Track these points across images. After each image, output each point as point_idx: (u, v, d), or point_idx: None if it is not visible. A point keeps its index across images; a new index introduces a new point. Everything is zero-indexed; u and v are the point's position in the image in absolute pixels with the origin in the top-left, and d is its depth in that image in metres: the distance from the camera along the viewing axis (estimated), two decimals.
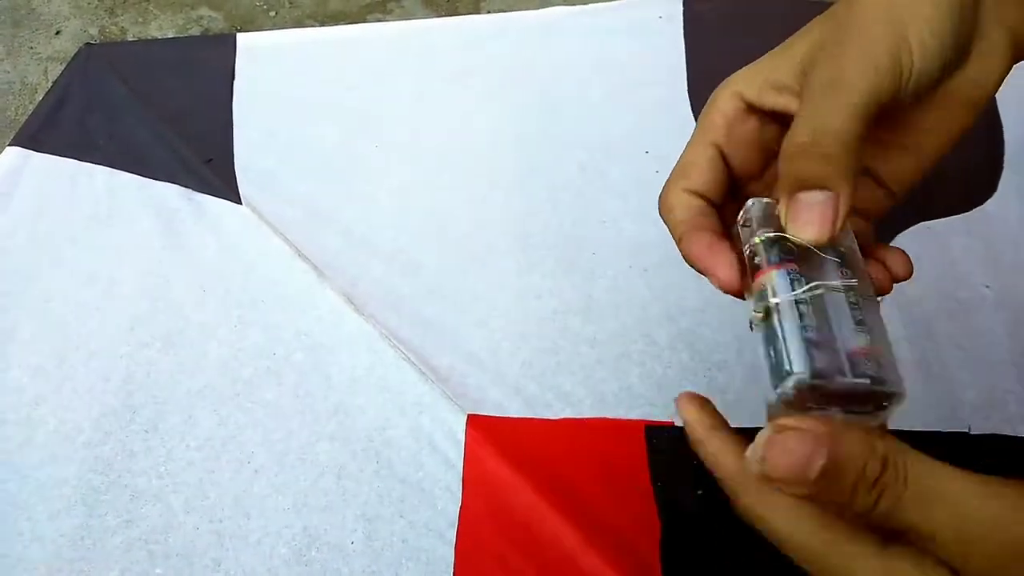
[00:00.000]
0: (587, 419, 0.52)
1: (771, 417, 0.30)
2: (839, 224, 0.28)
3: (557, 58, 0.73)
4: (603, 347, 0.56)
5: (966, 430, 0.51)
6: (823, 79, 0.29)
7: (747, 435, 0.52)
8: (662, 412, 0.53)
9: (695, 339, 0.56)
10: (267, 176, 0.65)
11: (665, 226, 0.34)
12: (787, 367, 0.28)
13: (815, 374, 0.27)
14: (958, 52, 0.30)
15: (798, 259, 0.29)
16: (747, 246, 0.31)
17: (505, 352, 0.55)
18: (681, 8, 0.74)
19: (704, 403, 0.34)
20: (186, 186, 0.64)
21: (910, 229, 0.60)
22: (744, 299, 0.31)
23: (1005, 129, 0.63)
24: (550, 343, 0.56)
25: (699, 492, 0.49)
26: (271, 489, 0.50)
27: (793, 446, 0.26)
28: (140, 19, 1.38)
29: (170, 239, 0.61)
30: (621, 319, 0.57)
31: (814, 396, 0.28)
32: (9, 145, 0.68)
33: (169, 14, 1.40)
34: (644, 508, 0.49)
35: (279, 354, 0.55)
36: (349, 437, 0.52)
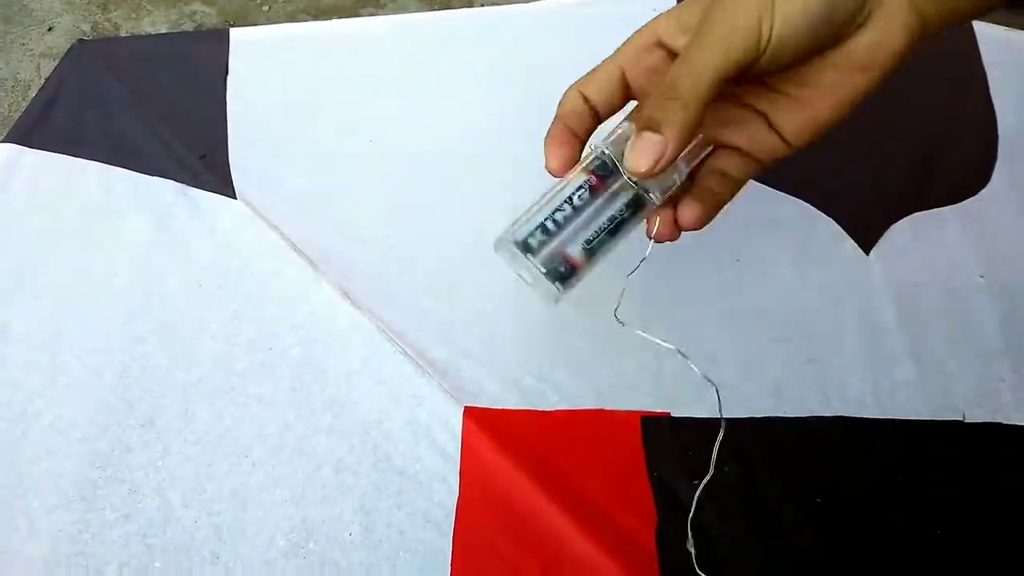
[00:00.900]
0: (583, 411, 0.53)
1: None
2: (662, 165, 0.34)
3: (551, 51, 0.73)
4: (598, 340, 0.56)
5: (960, 419, 0.52)
6: (699, 31, 0.34)
7: (746, 425, 0.52)
8: (657, 403, 0.53)
9: (690, 330, 0.56)
10: (261, 171, 0.65)
11: None
12: (514, 227, 0.38)
13: (518, 243, 0.37)
14: (836, 23, 0.33)
15: (608, 176, 0.38)
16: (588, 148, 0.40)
17: (501, 345, 0.56)
18: (674, 0, 0.74)
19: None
20: (180, 181, 0.63)
21: (905, 219, 0.60)
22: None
23: (999, 119, 0.64)
24: (545, 336, 0.56)
25: (695, 482, 0.50)
26: (268, 482, 0.50)
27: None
28: (133, 15, 1.38)
29: (164, 234, 0.61)
30: (618, 311, 0.57)
31: (511, 256, 0.38)
32: (2, 142, 0.68)
33: (162, 9, 1.40)
34: (641, 499, 0.49)
35: (275, 348, 0.55)
36: (346, 430, 0.52)
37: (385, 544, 0.48)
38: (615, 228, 0.39)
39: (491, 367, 0.54)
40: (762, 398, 0.53)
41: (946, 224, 0.60)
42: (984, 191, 0.61)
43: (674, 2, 0.74)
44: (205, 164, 0.64)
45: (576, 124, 0.40)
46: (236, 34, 0.74)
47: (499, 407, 0.52)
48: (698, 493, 0.49)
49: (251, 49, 0.73)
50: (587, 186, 0.38)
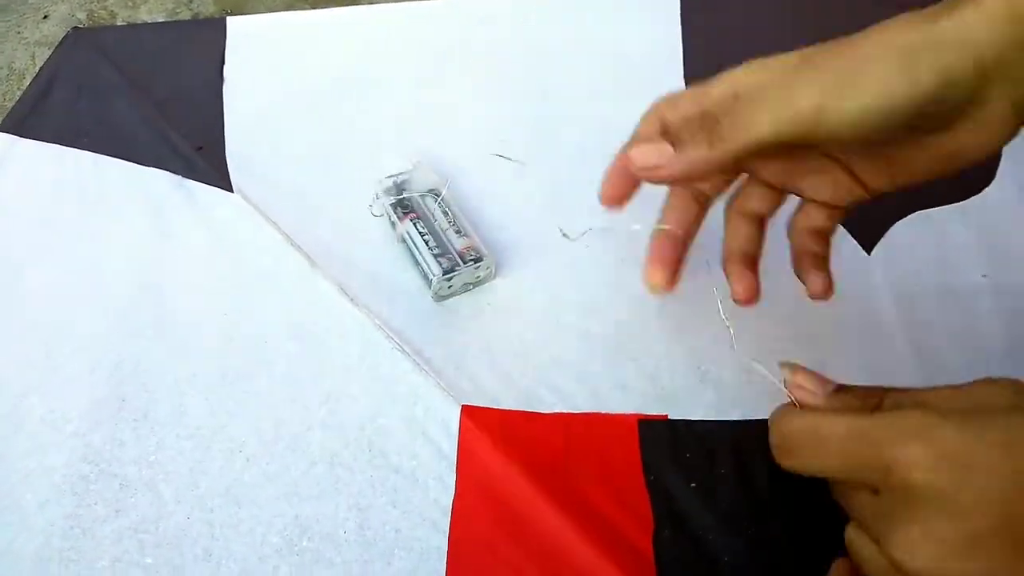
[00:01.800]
0: (580, 414, 0.52)
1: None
2: (654, 175, 0.41)
3: (552, 39, 0.72)
4: (597, 341, 0.55)
5: None
6: (756, 95, 0.35)
7: (744, 428, 0.52)
8: (655, 406, 0.53)
9: (689, 332, 0.56)
10: (259, 163, 0.64)
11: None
12: (429, 274, 0.56)
13: (445, 272, 0.55)
14: (924, 116, 0.32)
15: (414, 209, 0.58)
16: (384, 211, 0.60)
17: (498, 345, 0.55)
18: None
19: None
20: (176, 172, 0.63)
21: (907, 217, 0.59)
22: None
23: None
24: (543, 337, 0.56)
25: (692, 485, 0.49)
26: (263, 478, 0.49)
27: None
28: (129, 3, 1.37)
29: (159, 226, 0.60)
30: (615, 314, 0.57)
31: (449, 282, 0.55)
32: None
33: None
34: (637, 501, 0.49)
35: (270, 343, 0.55)
36: (342, 425, 0.51)
37: (380, 542, 0.47)
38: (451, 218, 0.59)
39: (489, 367, 0.54)
40: (761, 400, 0.53)
41: (949, 223, 0.59)
42: (988, 189, 0.61)
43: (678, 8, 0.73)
44: (202, 156, 0.63)
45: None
46: (233, 23, 0.73)
47: (496, 407, 0.52)
48: (694, 496, 0.48)
49: (248, 38, 0.72)
50: (415, 222, 0.58)
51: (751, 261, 0.47)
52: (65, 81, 0.70)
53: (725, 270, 0.47)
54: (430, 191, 0.60)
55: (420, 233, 0.57)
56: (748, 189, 0.47)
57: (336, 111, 0.68)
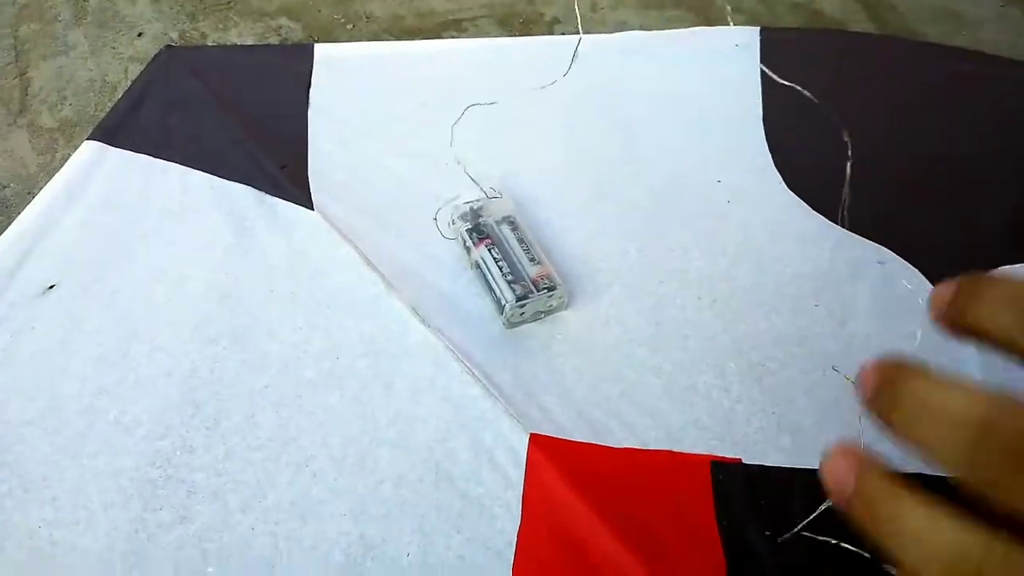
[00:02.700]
0: (652, 451, 0.51)
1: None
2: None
3: (632, 82, 0.73)
4: (669, 378, 0.54)
5: None
6: None
7: (817, 474, 0.50)
8: (729, 448, 0.51)
9: (764, 374, 0.55)
10: (339, 185, 0.65)
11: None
12: (502, 300, 0.55)
13: (519, 298, 0.55)
14: None
15: (489, 236, 0.59)
16: (459, 235, 0.60)
17: (569, 376, 0.54)
18: (758, 37, 0.74)
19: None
20: (260, 189, 0.64)
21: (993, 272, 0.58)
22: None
23: None
24: (615, 370, 0.55)
25: (767, 533, 0.48)
26: (329, 494, 0.49)
27: None
28: (220, 25, 1.42)
29: (241, 239, 0.61)
30: (688, 350, 0.56)
31: (522, 309, 0.56)
32: (87, 139, 0.69)
33: (249, 22, 1.43)
34: (709, 545, 0.47)
35: (342, 359, 0.55)
36: (409, 446, 0.51)
37: (442, 568, 0.46)
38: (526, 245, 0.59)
39: (558, 398, 0.53)
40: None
41: None
42: None
43: (756, 37, 0.74)
44: (285, 174, 0.64)
45: None
46: (320, 49, 0.75)
47: (566, 438, 0.51)
48: (770, 544, 0.47)
49: (334, 65, 0.74)
50: (490, 247, 0.58)
51: None
52: (156, 96, 0.72)
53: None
54: (505, 218, 0.60)
55: (495, 259, 0.57)
56: None
57: (416, 138, 0.69)
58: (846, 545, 0.46)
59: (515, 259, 0.57)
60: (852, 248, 0.61)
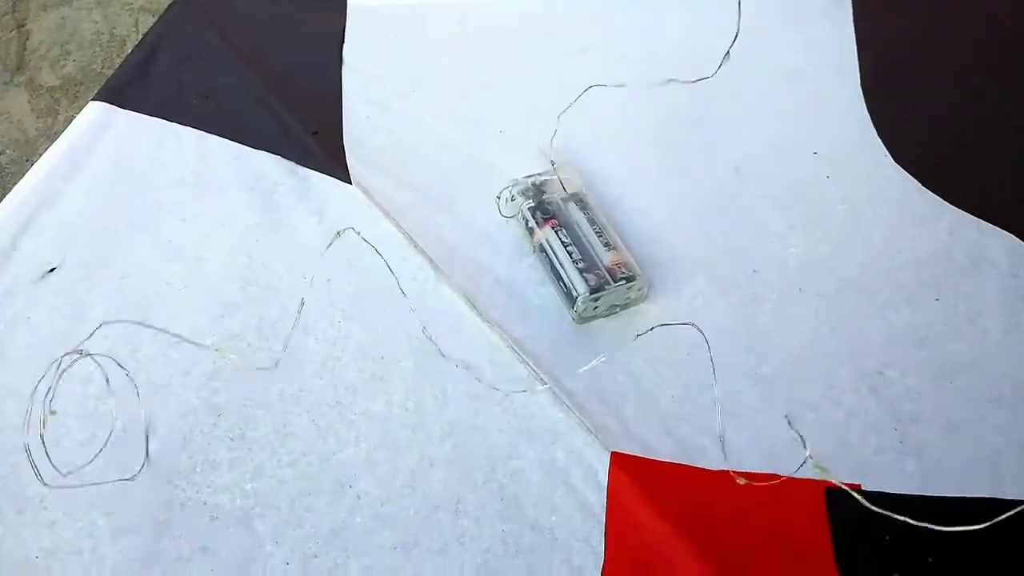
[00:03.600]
0: (753, 473, 0.43)
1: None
2: None
3: (704, 41, 0.64)
4: (768, 385, 0.47)
5: None
6: None
7: (954, 507, 0.43)
8: (845, 472, 0.43)
9: (882, 384, 0.46)
10: (378, 153, 0.57)
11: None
12: (573, 291, 0.47)
13: (593, 290, 0.47)
14: None
15: (556, 216, 0.50)
16: (519, 212, 0.51)
17: (650, 383, 0.47)
18: None
19: None
20: (289, 158, 0.56)
21: None
22: None
23: None
24: (704, 376, 0.47)
25: (895, 575, 0.40)
26: (375, 521, 0.41)
27: None
28: None
29: (267, 216, 0.53)
30: (790, 352, 0.48)
31: (596, 302, 0.47)
32: (93, 99, 0.61)
33: None
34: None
35: (387, 358, 0.47)
36: (468, 465, 0.43)
37: None
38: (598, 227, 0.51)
39: (639, 409, 0.45)
40: (975, 473, 0.43)
41: None
42: None
43: None
44: (317, 141, 0.56)
45: None
46: (354, 0, 0.67)
47: (652, 457, 0.43)
48: None
49: (370, 18, 0.66)
50: (557, 228, 0.51)
51: None
52: (170, 51, 0.64)
53: None
54: (573, 196, 0.52)
55: (563, 243, 0.49)
56: None
57: (465, 101, 0.60)
58: None
59: (587, 243, 0.49)
60: (972, 231, 0.53)
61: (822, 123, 0.58)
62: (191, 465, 0.43)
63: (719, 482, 0.43)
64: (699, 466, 0.43)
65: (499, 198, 0.52)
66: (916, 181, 0.55)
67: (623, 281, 0.48)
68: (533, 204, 0.51)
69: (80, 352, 0.42)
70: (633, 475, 0.42)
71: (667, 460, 0.43)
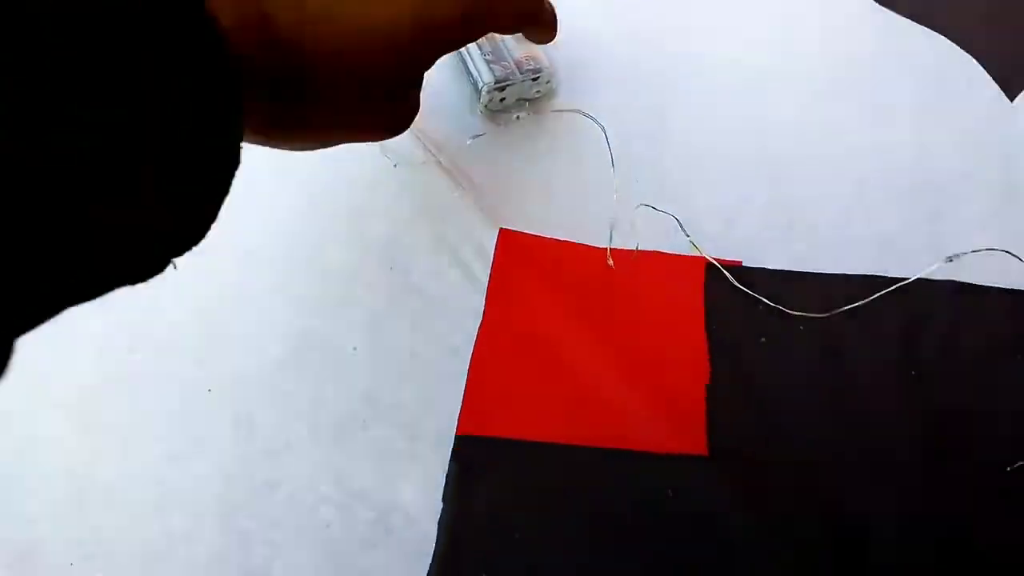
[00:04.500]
0: (638, 251, 0.44)
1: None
2: None
3: None
4: (667, 175, 0.47)
5: None
6: None
7: (835, 284, 0.43)
8: (728, 251, 0.45)
9: (779, 173, 0.47)
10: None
11: None
12: (479, 82, 0.47)
13: (498, 80, 0.47)
14: None
15: None
16: None
17: (555, 174, 0.47)
18: None
19: None
20: None
21: None
22: None
23: None
24: (602, 162, 0.47)
25: (762, 340, 0.42)
26: (268, 288, 0.43)
27: None
28: None
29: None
30: (692, 148, 0.48)
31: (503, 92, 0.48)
32: None
33: None
34: (693, 349, 0.41)
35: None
36: (361, 242, 0.45)
37: (391, 364, 0.41)
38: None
39: (538, 195, 0.46)
40: (867, 252, 0.44)
41: None
42: None
43: None
44: None
45: None
46: None
47: (539, 234, 0.45)
48: (762, 352, 0.41)
49: None
50: None
51: None
52: None
53: None
54: None
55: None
56: None
57: None
58: None
59: (497, 37, 0.49)
60: (896, 33, 0.52)
61: None
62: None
63: (602, 258, 0.44)
64: (584, 243, 0.45)
65: None
66: None
67: (529, 72, 0.48)
68: None
69: None
70: (517, 246, 0.44)
71: (559, 238, 0.45)
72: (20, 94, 0.17)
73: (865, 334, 0.41)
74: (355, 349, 0.41)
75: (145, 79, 0.20)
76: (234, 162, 0.24)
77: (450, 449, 0.39)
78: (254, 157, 0.27)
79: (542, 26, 0.43)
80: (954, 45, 0.51)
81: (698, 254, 0.44)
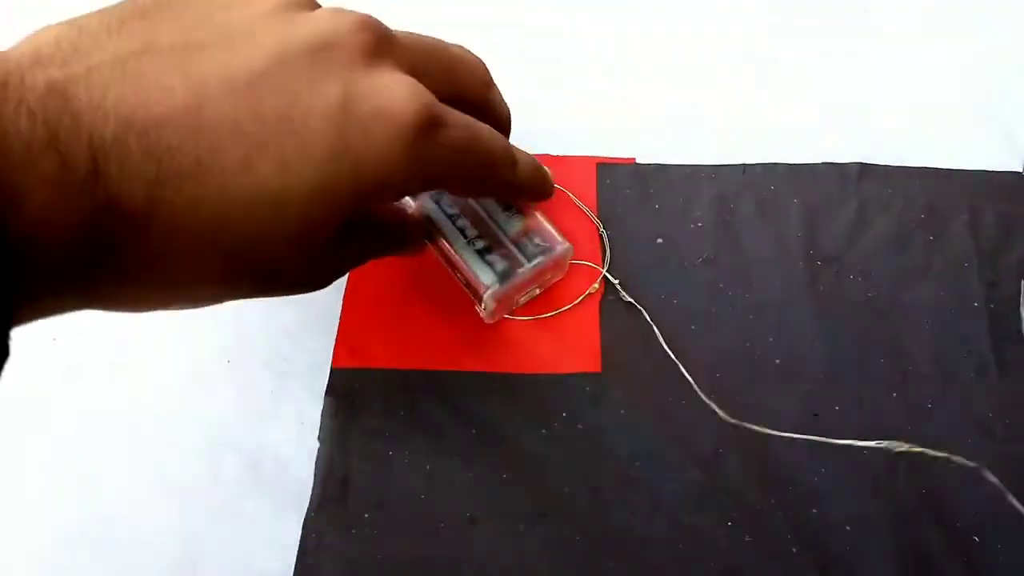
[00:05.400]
0: (537, 154, 0.41)
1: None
2: None
3: None
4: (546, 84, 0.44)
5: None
6: None
7: (731, 175, 0.40)
8: (621, 150, 0.41)
9: (672, 67, 0.44)
10: None
11: None
12: (481, 284, 0.33)
13: (502, 277, 0.33)
14: None
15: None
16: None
17: None
18: None
19: None
20: None
21: None
22: None
23: None
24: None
25: (659, 241, 0.39)
26: None
27: None
28: None
29: None
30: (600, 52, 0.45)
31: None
32: None
33: None
34: (586, 245, 0.38)
35: None
36: None
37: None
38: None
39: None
40: (767, 141, 0.42)
41: None
42: None
43: None
44: None
45: None
46: None
47: None
48: (658, 250, 0.38)
49: None
50: (436, 196, 0.35)
51: None
52: None
53: None
54: None
55: (449, 215, 0.35)
56: None
57: None
58: None
59: (480, 211, 0.35)
60: None
61: None
62: None
63: None
64: None
65: None
66: None
67: (539, 257, 0.34)
68: None
69: None
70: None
71: None
72: None
73: (765, 222, 0.39)
74: None
75: None
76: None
77: (325, 384, 0.35)
78: None
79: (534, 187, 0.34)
80: None
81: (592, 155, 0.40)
